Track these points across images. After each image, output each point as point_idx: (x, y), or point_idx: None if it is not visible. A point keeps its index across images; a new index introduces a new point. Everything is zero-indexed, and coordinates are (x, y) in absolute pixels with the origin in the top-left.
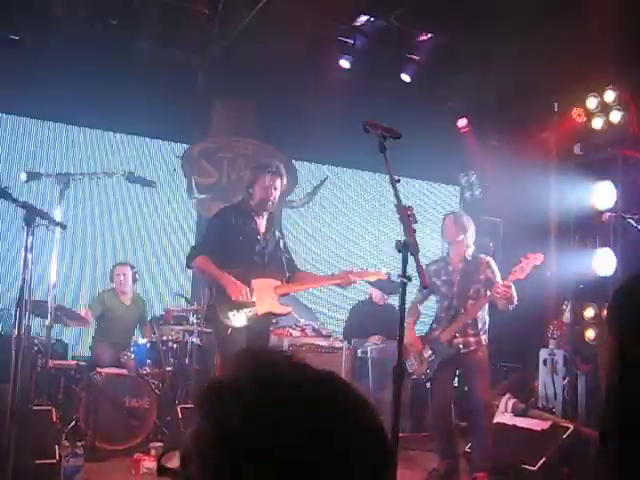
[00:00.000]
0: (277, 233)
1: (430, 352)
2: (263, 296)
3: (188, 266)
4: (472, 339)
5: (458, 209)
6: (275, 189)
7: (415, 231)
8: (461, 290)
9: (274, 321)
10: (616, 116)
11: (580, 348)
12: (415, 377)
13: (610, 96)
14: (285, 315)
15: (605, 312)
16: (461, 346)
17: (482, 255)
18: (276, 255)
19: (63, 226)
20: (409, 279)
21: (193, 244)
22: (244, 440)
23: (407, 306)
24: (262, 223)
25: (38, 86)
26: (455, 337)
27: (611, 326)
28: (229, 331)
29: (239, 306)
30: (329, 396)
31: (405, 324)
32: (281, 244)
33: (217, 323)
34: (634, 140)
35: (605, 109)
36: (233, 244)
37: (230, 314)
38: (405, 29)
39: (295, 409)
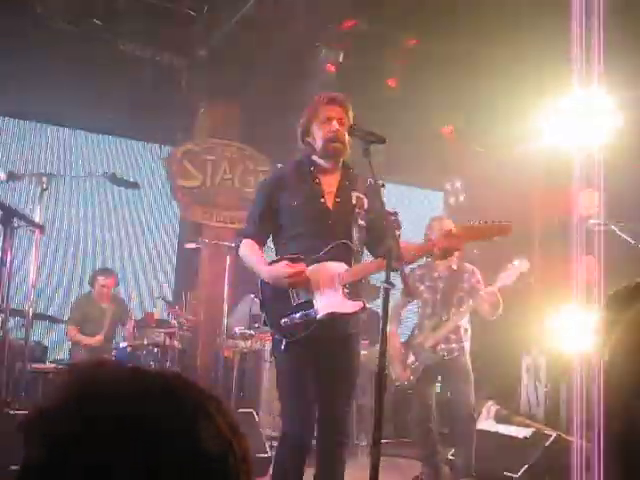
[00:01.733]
0: (356, 193)
1: (413, 359)
2: (323, 289)
3: (237, 254)
4: (455, 345)
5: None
6: (341, 122)
7: (399, 237)
8: (445, 298)
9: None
10: (598, 122)
11: (563, 355)
12: (398, 384)
13: (591, 101)
14: (357, 313)
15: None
16: (445, 353)
17: (467, 264)
18: (347, 225)
19: (41, 227)
20: (392, 285)
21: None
22: (73, 465)
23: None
24: (331, 180)
25: (20, 85)
26: (438, 344)
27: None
28: (283, 346)
29: (292, 308)
30: (154, 408)
31: (387, 330)
32: (358, 208)
33: (272, 335)
34: (618, 147)
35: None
36: (288, 215)
37: (282, 322)
38: (391, 35)
39: (118, 426)
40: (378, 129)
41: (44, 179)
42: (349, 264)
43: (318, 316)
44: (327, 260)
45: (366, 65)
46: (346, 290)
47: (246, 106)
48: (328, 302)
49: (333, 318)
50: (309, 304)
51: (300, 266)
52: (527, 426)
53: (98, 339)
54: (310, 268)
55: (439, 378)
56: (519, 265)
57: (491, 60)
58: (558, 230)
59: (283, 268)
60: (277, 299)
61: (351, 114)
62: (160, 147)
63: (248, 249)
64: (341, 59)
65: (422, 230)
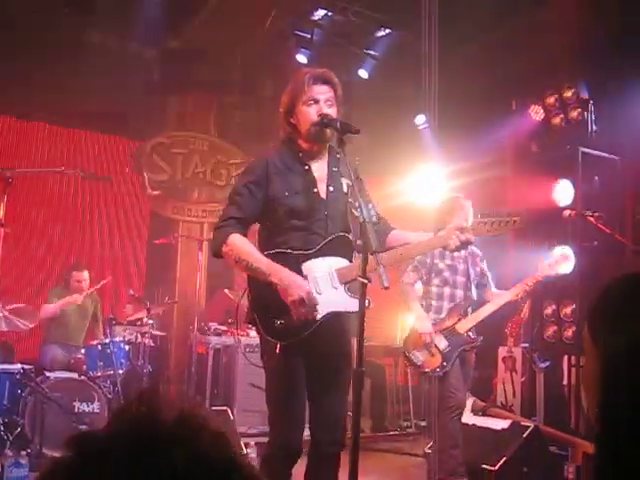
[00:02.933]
0: (345, 180)
1: (446, 343)
2: (323, 287)
3: (216, 255)
4: (474, 336)
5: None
6: (329, 103)
7: (374, 230)
8: (467, 280)
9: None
10: (575, 114)
11: (539, 346)
12: (428, 371)
13: (569, 93)
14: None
15: (564, 310)
16: (475, 340)
17: (474, 247)
18: (343, 216)
19: (3, 225)
20: (368, 280)
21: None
22: None
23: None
24: (319, 166)
25: None
26: (470, 329)
27: (595, 334)
28: (277, 349)
29: (288, 308)
30: None
31: (413, 308)
32: (351, 197)
33: (262, 338)
34: (592, 137)
35: (564, 107)
36: (279, 206)
37: (276, 323)
38: (363, 24)
39: None
40: (349, 119)
41: (8, 174)
42: (350, 259)
43: (319, 316)
44: (325, 255)
45: (338, 55)
46: (348, 286)
47: (218, 98)
48: (328, 300)
49: (337, 318)
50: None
51: (317, 300)
52: (505, 418)
53: (74, 298)
54: (307, 265)
55: None
56: (562, 258)
57: (463, 52)
58: (532, 221)
59: (307, 284)
60: (270, 298)
61: (340, 91)
62: (129, 141)
63: (244, 245)
64: (312, 49)
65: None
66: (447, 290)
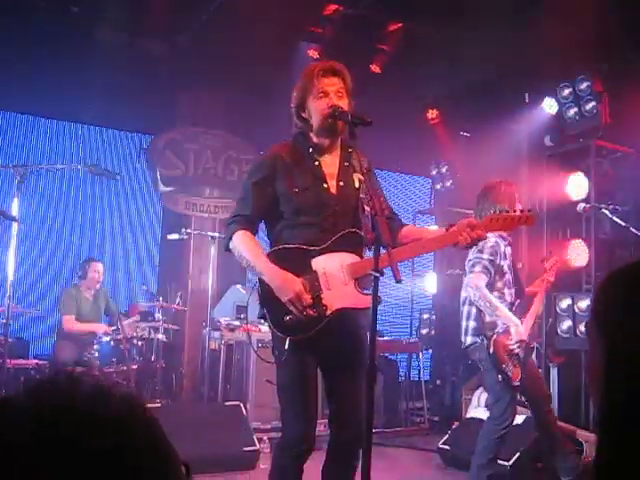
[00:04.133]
0: (357, 175)
1: (523, 354)
2: (332, 283)
3: (227, 250)
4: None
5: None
6: (339, 95)
7: (387, 223)
8: (514, 279)
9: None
10: (588, 106)
11: (553, 340)
12: (517, 384)
13: (582, 86)
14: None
15: (579, 304)
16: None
17: None
18: (354, 212)
19: (18, 221)
20: (381, 274)
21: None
22: None
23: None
24: (330, 161)
25: None
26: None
27: (600, 324)
28: (287, 345)
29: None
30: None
31: (503, 313)
32: (363, 193)
33: (272, 333)
34: (607, 130)
35: (577, 99)
36: (288, 202)
37: (286, 318)
38: (374, 19)
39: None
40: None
41: (21, 170)
42: (360, 255)
43: (328, 312)
44: (335, 251)
45: (349, 50)
46: (358, 282)
47: (229, 93)
48: (338, 296)
49: (348, 314)
50: (317, 299)
51: (308, 299)
52: (519, 413)
53: (102, 326)
54: (317, 260)
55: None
56: (553, 263)
57: (476, 45)
58: (545, 213)
59: (297, 284)
60: (278, 297)
61: (350, 82)
62: (141, 136)
63: (246, 242)
64: (324, 44)
65: (407, 216)
66: (507, 291)
